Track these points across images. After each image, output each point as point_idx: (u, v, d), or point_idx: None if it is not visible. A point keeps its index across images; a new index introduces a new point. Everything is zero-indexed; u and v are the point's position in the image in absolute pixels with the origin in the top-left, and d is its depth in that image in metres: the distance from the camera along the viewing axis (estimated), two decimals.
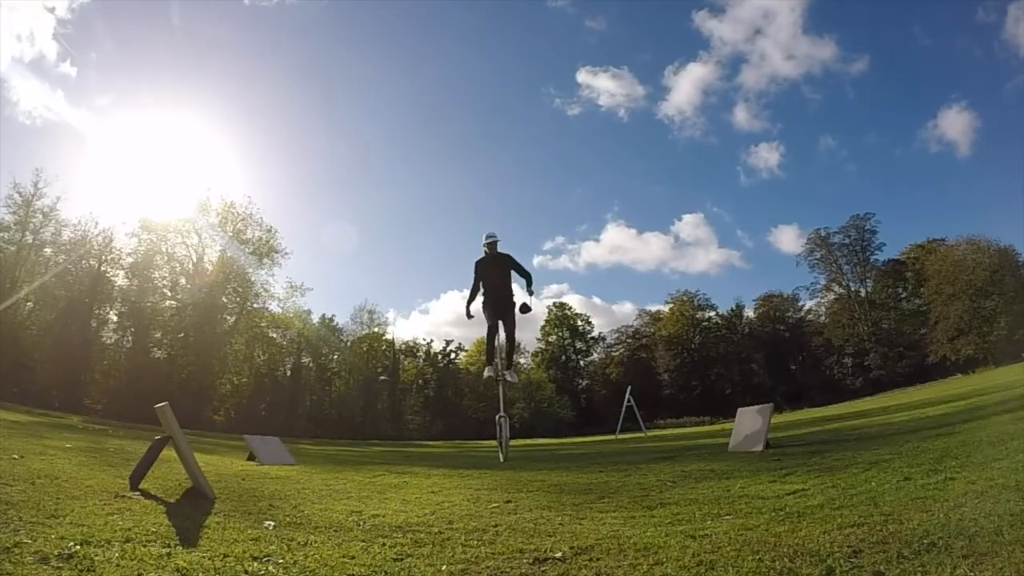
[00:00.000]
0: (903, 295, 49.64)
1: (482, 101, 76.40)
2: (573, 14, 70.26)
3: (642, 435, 22.31)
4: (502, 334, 7.46)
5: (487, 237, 7.50)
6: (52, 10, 56.96)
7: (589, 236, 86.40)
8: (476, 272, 7.45)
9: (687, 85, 74.59)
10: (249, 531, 2.21)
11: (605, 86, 73.15)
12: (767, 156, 69.26)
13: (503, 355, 7.47)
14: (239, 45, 70.98)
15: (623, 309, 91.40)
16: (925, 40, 61.05)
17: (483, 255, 7.49)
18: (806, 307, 55.04)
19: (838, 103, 65.64)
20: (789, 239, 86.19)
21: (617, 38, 71.11)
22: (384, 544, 2.09)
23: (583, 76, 70.42)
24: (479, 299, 7.49)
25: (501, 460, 6.93)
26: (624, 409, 23.97)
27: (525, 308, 7.37)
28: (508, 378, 7.50)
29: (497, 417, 7.32)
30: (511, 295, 7.37)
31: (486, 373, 7.49)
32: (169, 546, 1.85)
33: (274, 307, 42.61)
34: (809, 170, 68.26)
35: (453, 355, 59.13)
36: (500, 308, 7.29)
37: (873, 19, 62.95)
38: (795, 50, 68.90)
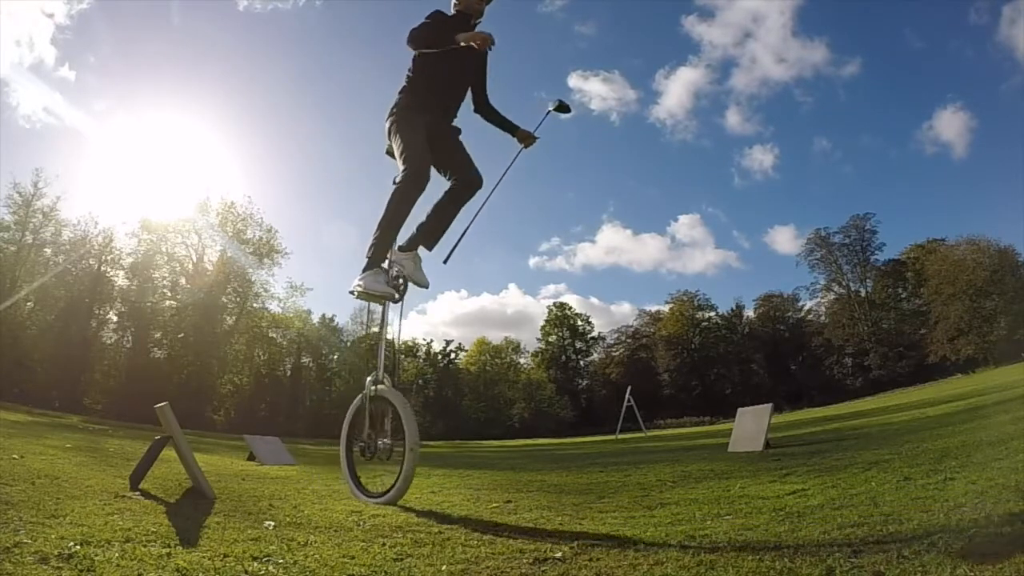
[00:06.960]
0: (903, 295, 49.69)
1: None
2: (563, 19, 70.64)
3: (642, 435, 22.32)
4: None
5: None
6: (51, 16, 57.19)
7: (585, 237, 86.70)
8: (435, 29, 3.27)
9: (678, 89, 75.33)
10: (249, 531, 2.21)
11: (597, 90, 73.17)
12: (761, 158, 69.57)
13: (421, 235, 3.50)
14: (237, 48, 71.32)
15: (621, 309, 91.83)
16: (917, 42, 61.42)
17: (452, 15, 3.45)
18: (806, 307, 55.18)
19: (831, 105, 66.00)
20: (786, 239, 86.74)
21: (607, 43, 71.59)
22: (384, 544, 2.09)
23: (574, 80, 69.89)
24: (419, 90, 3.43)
25: (365, 500, 3.18)
26: (624, 409, 23.97)
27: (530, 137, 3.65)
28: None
29: (368, 387, 3.30)
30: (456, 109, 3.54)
31: (365, 282, 3.34)
32: (169, 546, 1.85)
33: (274, 307, 42.77)
34: (804, 171, 68.58)
35: (453, 355, 59.25)
36: (441, 112, 3.51)
37: (863, 22, 63.34)
38: (786, 53, 69.55)
